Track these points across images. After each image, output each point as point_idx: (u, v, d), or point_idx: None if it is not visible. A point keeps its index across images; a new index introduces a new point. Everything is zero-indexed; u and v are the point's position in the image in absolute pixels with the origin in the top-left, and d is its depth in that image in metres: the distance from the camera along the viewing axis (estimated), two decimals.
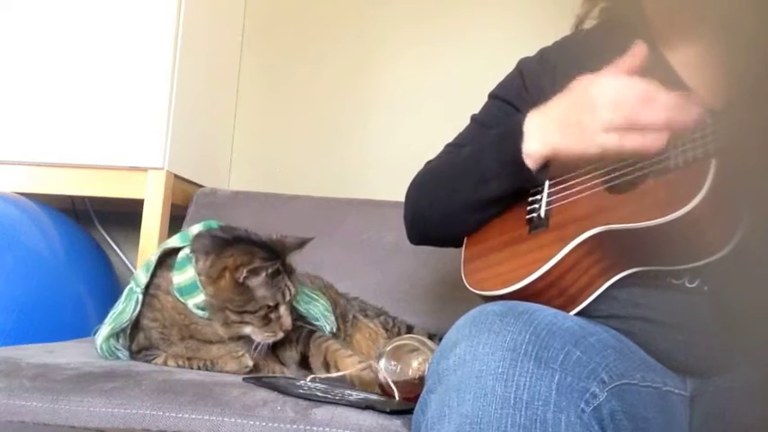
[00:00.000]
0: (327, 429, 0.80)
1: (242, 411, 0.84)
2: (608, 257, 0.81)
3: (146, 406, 0.86)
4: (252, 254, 1.01)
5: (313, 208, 1.65)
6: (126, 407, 0.86)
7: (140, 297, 1.07)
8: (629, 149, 0.75)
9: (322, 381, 0.97)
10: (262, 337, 1.03)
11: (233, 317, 1.01)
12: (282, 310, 1.03)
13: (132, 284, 1.08)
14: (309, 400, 0.85)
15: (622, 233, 0.77)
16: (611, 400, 0.67)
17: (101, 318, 1.10)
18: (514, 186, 0.88)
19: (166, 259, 1.09)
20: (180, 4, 1.59)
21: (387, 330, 1.30)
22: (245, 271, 1.00)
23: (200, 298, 1.02)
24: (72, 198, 1.86)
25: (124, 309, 1.07)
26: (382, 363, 0.92)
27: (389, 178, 1.61)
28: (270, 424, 0.82)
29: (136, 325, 1.09)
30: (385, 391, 0.91)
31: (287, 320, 1.03)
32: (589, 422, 0.64)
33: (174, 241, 1.09)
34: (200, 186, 1.74)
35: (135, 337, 1.10)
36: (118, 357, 1.09)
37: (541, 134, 0.82)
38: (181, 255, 1.06)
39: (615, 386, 0.68)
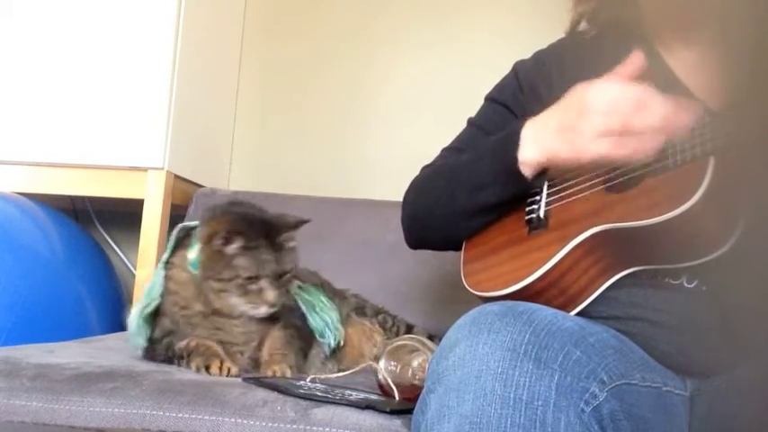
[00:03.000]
0: (327, 429, 0.80)
1: (242, 411, 0.84)
2: (607, 257, 0.81)
3: (146, 406, 0.86)
4: (232, 223, 1.03)
5: (313, 208, 1.64)
6: (126, 407, 0.86)
7: (163, 272, 1.09)
8: (623, 155, 0.75)
9: (322, 381, 0.97)
10: (244, 308, 1.04)
11: (215, 284, 1.03)
12: (263, 283, 1.03)
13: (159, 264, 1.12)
14: (309, 400, 0.85)
15: (622, 232, 0.77)
16: (611, 401, 0.67)
17: (101, 318, 1.11)
18: (510, 194, 0.89)
19: (186, 239, 1.12)
20: (180, 4, 1.59)
21: (385, 329, 1.30)
22: (219, 238, 1.02)
23: None
24: (72, 198, 1.86)
25: (153, 284, 1.10)
26: (382, 363, 0.92)
27: (390, 178, 1.61)
28: (270, 424, 0.82)
29: (157, 312, 1.10)
30: (385, 391, 0.91)
31: (269, 294, 1.03)
32: (589, 422, 0.64)
33: (194, 221, 1.13)
34: (200, 186, 1.74)
35: (159, 323, 1.11)
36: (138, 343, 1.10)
37: (537, 141, 0.83)
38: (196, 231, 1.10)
39: (615, 386, 0.68)
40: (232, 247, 1.02)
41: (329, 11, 1.92)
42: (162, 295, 1.09)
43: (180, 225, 1.14)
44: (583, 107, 0.77)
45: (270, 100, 1.95)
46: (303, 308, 1.16)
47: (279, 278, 1.05)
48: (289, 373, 1.03)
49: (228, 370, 1.01)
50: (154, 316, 1.09)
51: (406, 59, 1.86)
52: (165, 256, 1.11)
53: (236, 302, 1.04)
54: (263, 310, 1.04)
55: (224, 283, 1.03)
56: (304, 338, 1.14)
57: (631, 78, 0.76)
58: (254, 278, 1.03)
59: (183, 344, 1.07)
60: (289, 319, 1.12)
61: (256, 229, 1.04)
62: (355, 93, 1.89)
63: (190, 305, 1.08)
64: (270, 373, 1.02)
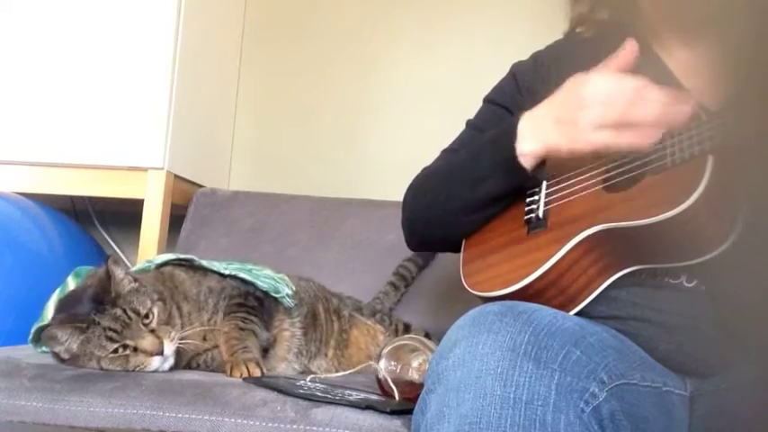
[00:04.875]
0: (327, 429, 0.80)
1: (242, 411, 0.84)
2: (606, 256, 0.81)
3: (146, 406, 0.86)
4: (47, 340, 0.99)
5: (313, 208, 1.65)
6: (126, 407, 0.86)
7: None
8: (621, 146, 0.75)
9: (322, 381, 0.97)
10: (141, 368, 0.98)
11: (101, 368, 0.98)
12: (130, 342, 0.97)
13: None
14: (309, 400, 0.85)
15: (620, 231, 0.77)
16: (611, 400, 0.67)
17: None
18: (511, 186, 0.89)
19: None
20: (180, 5, 1.59)
21: (384, 328, 1.31)
22: (57, 356, 1.00)
23: None
24: (72, 198, 1.86)
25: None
26: (382, 363, 0.92)
27: (390, 178, 1.61)
28: (270, 424, 0.82)
29: None
30: (385, 391, 0.91)
31: (146, 344, 0.97)
32: (588, 422, 0.64)
33: (71, 284, 1.11)
34: (201, 186, 1.74)
35: None
36: None
37: (535, 133, 0.83)
38: None
39: (615, 386, 0.68)
40: (69, 348, 0.98)
41: (329, 12, 1.92)
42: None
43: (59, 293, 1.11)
44: (580, 98, 0.77)
45: (270, 100, 1.95)
46: (246, 277, 1.13)
47: (145, 322, 0.99)
48: (258, 373, 0.99)
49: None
50: None
51: (406, 60, 1.86)
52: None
53: (132, 368, 0.98)
54: (158, 359, 0.98)
55: (105, 366, 0.97)
56: (261, 317, 1.10)
57: (626, 68, 0.76)
58: (118, 348, 0.97)
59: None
60: (236, 309, 1.09)
61: (78, 310, 0.98)
62: (355, 93, 1.89)
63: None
64: (237, 375, 0.98)
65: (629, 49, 0.77)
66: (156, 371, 0.99)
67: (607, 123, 0.75)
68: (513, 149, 0.84)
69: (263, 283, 1.13)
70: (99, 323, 0.96)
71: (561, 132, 0.79)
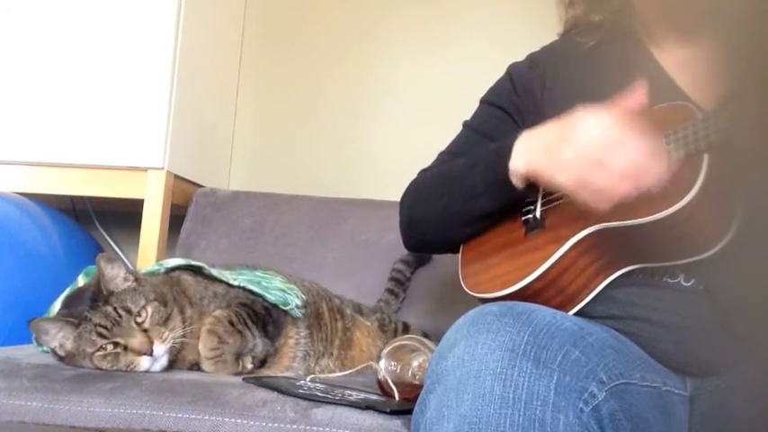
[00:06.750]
0: (327, 429, 0.81)
1: (242, 411, 0.84)
2: (605, 256, 0.81)
3: (146, 406, 0.86)
4: (38, 332, 1.00)
5: (313, 208, 1.65)
6: (126, 407, 0.86)
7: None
8: (582, 196, 0.74)
9: (322, 381, 0.98)
10: (131, 367, 0.98)
11: (95, 366, 0.98)
12: (120, 340, 0.97)
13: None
14: (309, 400, 0.85)
15: (618, 231, 0.77)
16: (610, 400, 0.67)
17: None
18: (503, 203, 0.89)
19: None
20: (180, 4, 1.59)
21: (384, 328, 1.31)
22: (52, 353, 1.01)
23: None
24: (72, 198, 1.86)
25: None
26: (382, 363, 0.92)
27: (390, 178, 1.61)
28: (270, 424, 0.82)
29: None
30: (385, 391, 0.91)
31: (134, 343, 0.97)
32: (588, 422, 0.64)
33: (81, 283, 1.12)
34: (201, 186, 1.74)
35: None
36: None
37: (526, 154, 0.83)
38: None
39: (614, 386, 0.68)
40: (63, 344, 0.99)
41: (329, 12, 1.92)
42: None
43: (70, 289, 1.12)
44: (570, 132, 0.76)
45: (270, 100, 1.95)
46: (254, 288, 1.12)
47: (137, 321, 0.99)
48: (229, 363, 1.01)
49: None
50: None
51: (406, 61, 1.86)
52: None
53: (123, 367, 0.97)
54: (147, 359, 0.97)
55: (96, 363, 0.97)
56: (262, 325, 1.10)
57: (630, 111, 0.74)
58: (107, 344, 0.97)
59: None
60: (238, 308, 1.08)
61: (74, 305, 1.00)
62: (355, 93, 1.89)
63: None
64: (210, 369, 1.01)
65: (638, 93, 0.75)
66: (147, 371, 0.98)
67: (580, 162, 0.74)
68: (505, 167, 0.84)
69: (271, 297, 1.13)
70: (90, 319, 0.97)
71: (545, 159, 0.79)
